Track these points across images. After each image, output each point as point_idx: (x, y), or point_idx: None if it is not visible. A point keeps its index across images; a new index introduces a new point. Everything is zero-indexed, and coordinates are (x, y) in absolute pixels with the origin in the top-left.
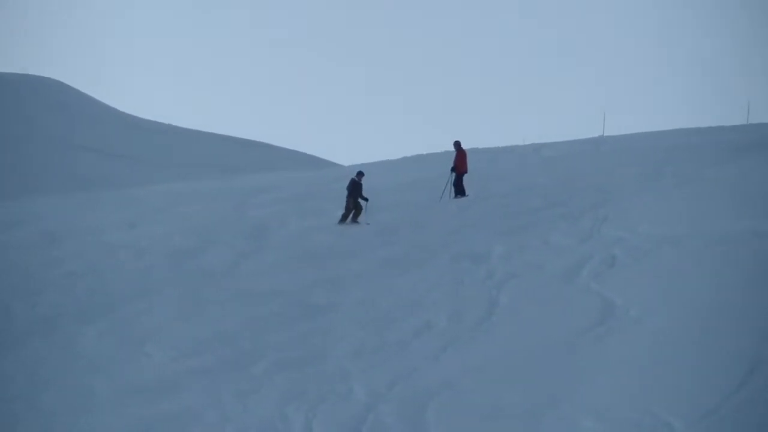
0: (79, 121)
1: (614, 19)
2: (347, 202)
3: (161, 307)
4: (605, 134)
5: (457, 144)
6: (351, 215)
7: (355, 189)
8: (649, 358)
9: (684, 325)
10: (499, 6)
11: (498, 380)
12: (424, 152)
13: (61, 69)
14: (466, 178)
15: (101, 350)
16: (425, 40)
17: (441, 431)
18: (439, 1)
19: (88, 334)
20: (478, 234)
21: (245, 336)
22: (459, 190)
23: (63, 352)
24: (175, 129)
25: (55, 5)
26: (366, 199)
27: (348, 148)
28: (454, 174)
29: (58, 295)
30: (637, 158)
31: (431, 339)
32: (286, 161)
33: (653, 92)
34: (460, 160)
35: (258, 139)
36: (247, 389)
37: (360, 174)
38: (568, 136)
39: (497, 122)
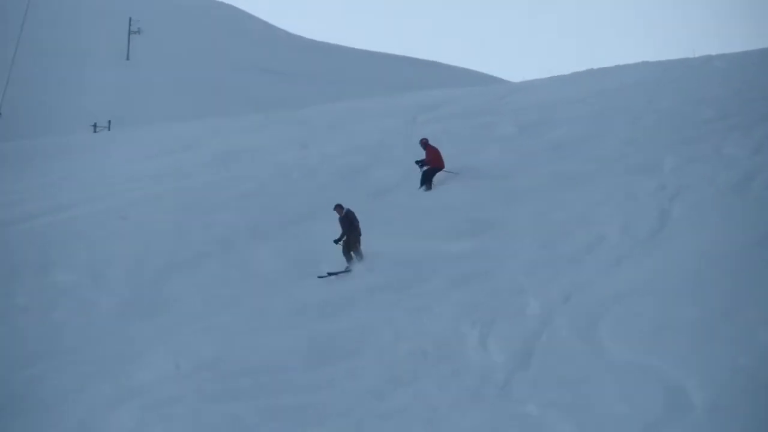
0: (254, 44)
1: None
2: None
3: (334, 225)
4: None
5: (424, 142)
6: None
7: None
8: None
9: None
10: None
11: (671, 292)
12: (595, 66)
13: None
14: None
15: (276, 269)
16: None
17: (615, 344)
18: None
19: (263, 253)
20: (650, 146)
21: (418, 253)
22: (426, 180)
23: (238, 272)
24: (344, 49)
25: None
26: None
27: (517, 64)
28: (425, 168)
29: (232, 215)
30: None
31: (604, 252)
32: (454, 78)
33: None
34: (432, 157)
35: (426, 57)
36: (421, 306)
37: (339, 208)
38: (738, 47)
39: (666, 34)
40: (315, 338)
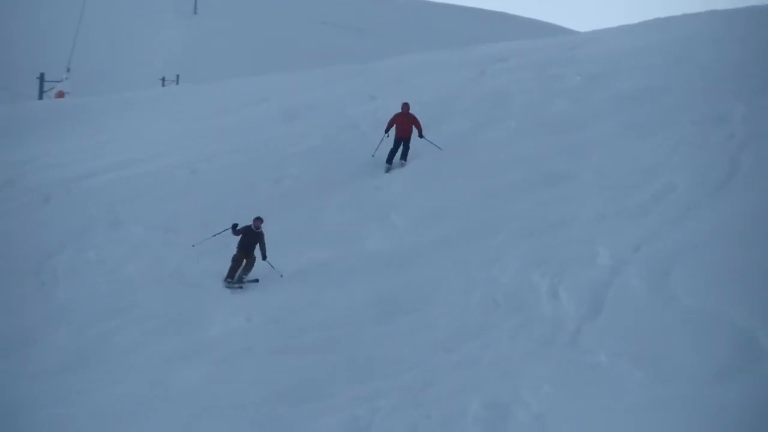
0: None
1: None
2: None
3: (403, 178)
4: None
5: (406, 106)
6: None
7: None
8: None
9: None
10: None
11: (741, 241)
12: (662, 15)
13: None
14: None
15: (344, 222)
16: None
17: (685, 293)
18: None
19: (331, 206)
20: (718, 96)
21: (488, 205)
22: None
23: (307, 225)
24: (412, 2)
25: None
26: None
27: (585, 15)
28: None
29: (301, 168)
30: None
31: (673, 202)
32: (521, 30)
33: None
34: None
35: (494, 9)
36: (492, 257)
37: (258, 221)
38: None
39: None
40: (384, 291)
